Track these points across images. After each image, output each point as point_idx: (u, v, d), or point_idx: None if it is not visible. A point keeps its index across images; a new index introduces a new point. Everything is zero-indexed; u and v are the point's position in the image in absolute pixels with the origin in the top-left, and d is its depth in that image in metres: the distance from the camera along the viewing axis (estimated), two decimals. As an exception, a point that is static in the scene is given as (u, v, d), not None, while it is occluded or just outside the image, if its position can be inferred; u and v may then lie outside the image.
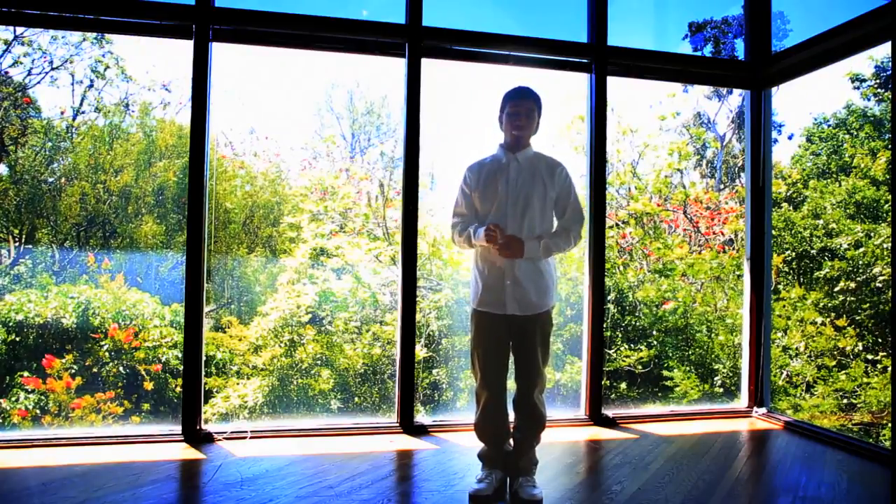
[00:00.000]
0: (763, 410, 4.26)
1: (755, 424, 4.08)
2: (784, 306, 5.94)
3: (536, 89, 2.76)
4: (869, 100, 6.85)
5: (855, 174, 6.42)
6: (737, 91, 6.40)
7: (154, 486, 2.76)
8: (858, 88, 6.92)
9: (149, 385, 4.46)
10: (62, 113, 5.34)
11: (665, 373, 5.30)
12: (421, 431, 3.74)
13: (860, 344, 5.56)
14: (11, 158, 5.11)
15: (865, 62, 6.62)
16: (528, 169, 2.72)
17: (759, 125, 4.41)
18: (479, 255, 2.76)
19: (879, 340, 5.54)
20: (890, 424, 4.76)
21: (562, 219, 2.79)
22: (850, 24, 3.63)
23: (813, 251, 6.12)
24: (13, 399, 4.17)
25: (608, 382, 5.23)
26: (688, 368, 5.26)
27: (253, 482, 2.83)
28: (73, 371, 4.33)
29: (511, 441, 2.85)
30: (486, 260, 2.72)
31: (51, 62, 5.22)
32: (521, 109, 2.69)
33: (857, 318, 5.69)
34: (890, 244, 3.38)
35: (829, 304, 5.77)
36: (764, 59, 4.32)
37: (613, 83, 4.22)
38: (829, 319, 5.72)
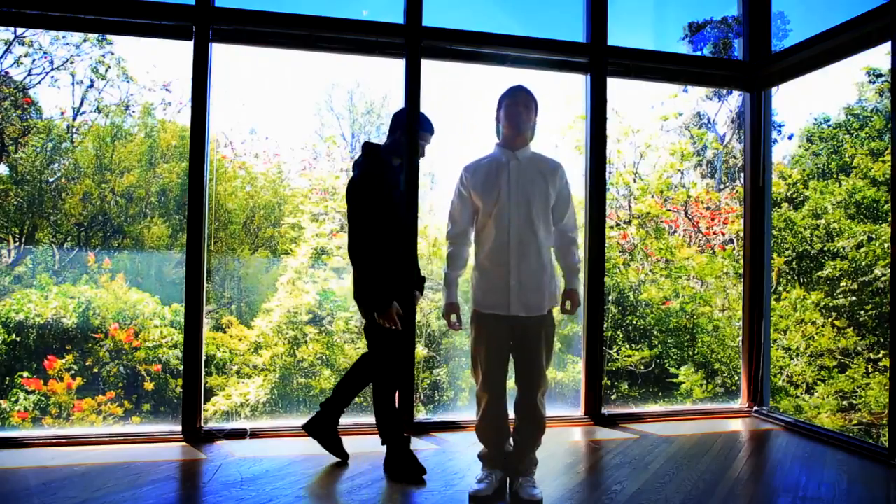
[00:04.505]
0: (763, 410, 4.26)
1: (755, 424, 4.08)
2: (784, 306, 5.94)
3: (532, 90, 2.78)
4: (883, 95, 6.76)
5: (855, 174, 6.41)
6: (737, 91, 6.39)
7: (154, 486, 2.76)
8: (874, 83, 6.83)
9: (149, 385, 4.46)
10: (62, 113, 5.35)
11: (672, 370, 5.30)
12: (421, 431, 3.74)
13: (862, 343, 5.56)
14: (12, 158, 5.11)
15: (884, 56, 6.49)
16: (529, 168, 2.70)
17: (759, 125, 4.41)
18: (483, 256, 2.73)
19: (881, 340, 5.54)
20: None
21: (561, 223, 2.79)
22: (850, 24, 3.63)
23: (813, 251, 6.12)
24: (13, 400, 4.17)
25: (609, 382, 5.23)
26: (693, 368, 5.26)
27: (253, 482, 2.83)
28: (74, 371, 4.33)
29: (511, 441, 2.85)
30: (491, 261, 2.70)
31: (51, 62, 5.22)
32: (518, 100, 2.70)
33: (859, 318, 5.69)
34: (890, 245, 3.39)
35: (830, 305, 5.77)
36: (764, 60, 4.32)
37: (616, 84, 4.22)
38: (829, 320, 5.72)
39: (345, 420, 4.04)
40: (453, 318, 2.77)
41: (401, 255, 3.12)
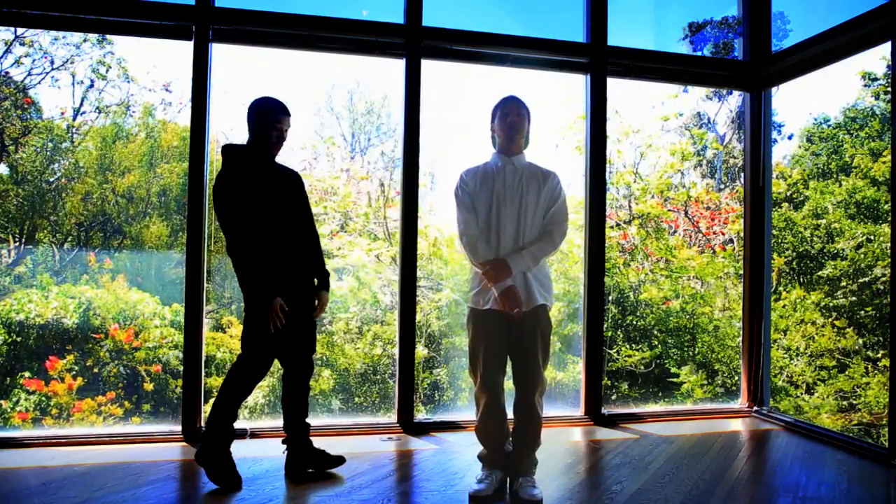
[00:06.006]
0: (763, 410, 4.26)
1: (755, 424, 4.08)
2: (784, 306, 5.94)
3: (527, 98, 2.83)
4: (878, 98, 6.80)
5: (855, 174, 6.41)
6: (737, 91, 6.40)
7: (154, 486, 2.76)
8: (869, 86, 6.87)
9: (149, 386, 4.46)
10: (63, 113, 5.35)
11: (673, 369, 5.30)
12: (421, 431, 3.74)
13: (861, 341, 5.56)
14: (12, 158, 5.11)
15: (878, 61, 6.56)
16: (522, 173, 2.75)
17: (759, 125, 4.41)
18: None
19: (881, 340, 5.54)
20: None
21: (543, 219, 2.74)
22: (849, 24, 3.63)
23: (813, 251, 6.12)
24: (13, 401, 4.17)
25: (609, 382, 5.23)
26: (693, 368, 5.26)
27: (253, 482, 2.83)
28: (75, 372, 4.33)
29: (511, 441, 2.86)
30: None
31: (52, 62, 5.22)
32: (510, 109, 2.77)
33: (859, 318, 5.69)
34: (890, 245, 3.40)
35: (830, 305, 5.77)
36: (764, 60, 4.32)
37: (616, 84, 4.22)
38: (829, 320, 5.72)
39: (344, 420, 4.05)
40: (507, 284, 2.62)
41: (289, 252, 2.87)
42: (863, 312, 5.67)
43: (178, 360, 4.54)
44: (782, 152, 7.45)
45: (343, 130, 6.43)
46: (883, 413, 5.04)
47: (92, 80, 5.36)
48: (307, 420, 3.03)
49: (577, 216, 4.52)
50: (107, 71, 5.38)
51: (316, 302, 3.02)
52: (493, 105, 2.86)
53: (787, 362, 5.78)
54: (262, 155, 2.87)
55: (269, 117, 2.86)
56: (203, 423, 3.54)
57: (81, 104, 5.41)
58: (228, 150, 2.88)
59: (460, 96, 5.53)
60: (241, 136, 6.16)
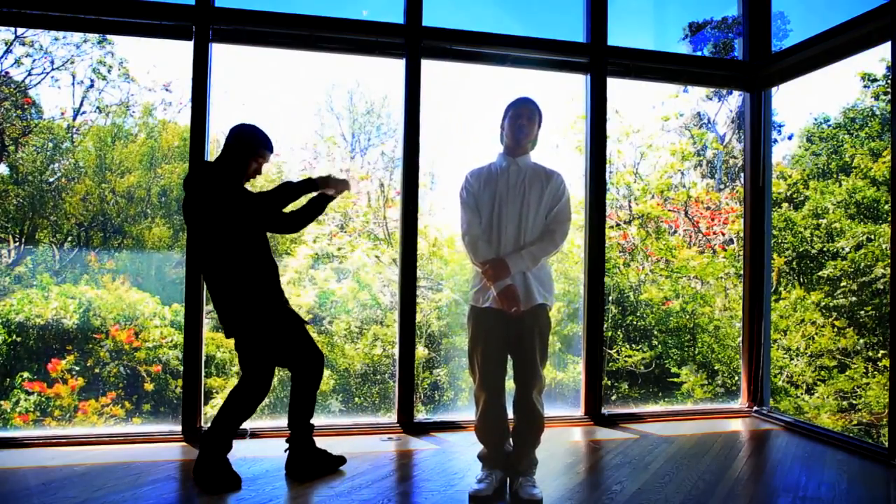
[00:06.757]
0: (763, 410, 4.26)
1: (755, 424, 4.08)
2: (784, 306, 5.94)
3: (537, 101, 2.82)
4: (878, 98, 6.82)
5: (855, 174, 6.41)
6: (737, 91, 6.40)
7: (154, 486, 2.76)
8: (868, 87, 6.89)
9: (149, 386, 4.46)
10: (63, 113, 5.35)
11: (673, 369, 5.30)
12: (421, 431, 3.74)
13: (861, 341, 5.56)
14: (12, 158, 5.12)
15: (877, 63, 6.58)
16: (526, 173, 2.75)
17: (759, 125, 4.41)
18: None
19: (881, 340, 5.54)
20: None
21: (545, 219, 2.74)
22: (849, 25, 3.63)
23: (813, 251, 6.12)
24: (13, 401, 4.17)
25: (609, 382, 5.23)
26: (693, 368, 5.27)
27: (253, 482, 2.83)
28: (75, 372, 4.33)
29: (511, 441, 2.86)
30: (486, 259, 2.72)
31: (52, 62, 5.23)
32: (523, 111, 2.76)
33: (859, 318, 5.69)
34: (890, 245, 3.41)
35: (830, 305, 5.77)
36: (764, 60, 4.32)
37: (617, 84, 4.22)
38: (829, 320, 5.72)
39: (344, 420, 4.05)
40: (506, 283, 2.64)
41: (265, 264, 2.91)
42: (863, 312, 5.67)
43: (178, 360, 4.54)
44: (782, 152, 7.46)
45: (343, 130, 6.44)
46: (883, 413, 5.04)
47: (92, 80, 5.37)
48: (311, 421, 3.02)
49: (577, 216, 4.52)
50: (107, 71, 5.39)
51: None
52: (504, 103, 2.82)
53: (787, 362, 5.78)
54: (231, 177, 2.82)
55: (254, 150, 2.85)
56: (202, 424, 3.54)
57: (81, 104, 5.42)
58: (204, 167, 2.91)
59: (460, 96, 5.54)
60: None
